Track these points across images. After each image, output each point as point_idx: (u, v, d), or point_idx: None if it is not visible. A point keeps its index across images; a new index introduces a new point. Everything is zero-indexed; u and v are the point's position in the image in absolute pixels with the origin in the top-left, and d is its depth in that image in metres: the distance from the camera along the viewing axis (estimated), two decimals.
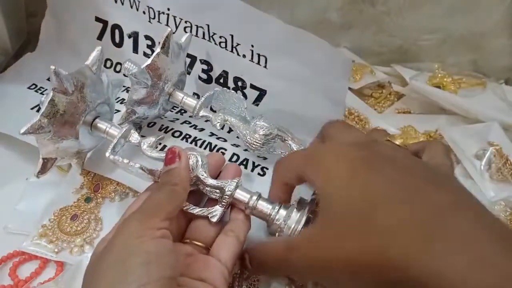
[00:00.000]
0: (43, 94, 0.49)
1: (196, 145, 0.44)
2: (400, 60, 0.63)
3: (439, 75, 0.58)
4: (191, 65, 0.49)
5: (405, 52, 0.63)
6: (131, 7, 0.49)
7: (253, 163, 0.44)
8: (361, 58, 0.63)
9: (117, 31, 0.51)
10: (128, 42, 0.51)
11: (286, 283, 0.37)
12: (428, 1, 0.57)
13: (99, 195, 0.42)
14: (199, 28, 0.46)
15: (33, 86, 0.50)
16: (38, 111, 0.35)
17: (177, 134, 0.45)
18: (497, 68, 0.63)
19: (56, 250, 0.38)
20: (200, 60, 0.49)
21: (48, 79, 0.51)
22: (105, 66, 0.53)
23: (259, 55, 0.45)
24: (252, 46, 0.45)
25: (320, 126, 0.37)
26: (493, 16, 0.58)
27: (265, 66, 0.45)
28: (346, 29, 0.61)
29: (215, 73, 0.49)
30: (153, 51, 0.42)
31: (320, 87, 0.45)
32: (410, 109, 0.58)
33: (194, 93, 0.50)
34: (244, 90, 0.48)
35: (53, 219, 0.40)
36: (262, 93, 0.47)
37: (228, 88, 0.48)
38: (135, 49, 0.51)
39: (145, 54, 0.51)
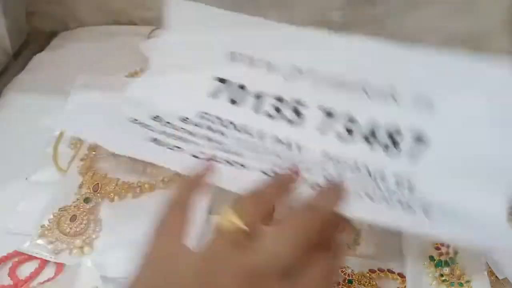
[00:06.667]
0: None
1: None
2: None
3: None
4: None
5: None
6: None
7: None
8: None
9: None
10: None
11: None
12: (428, 1, 0.57)
13: (98, 194, 0.42)
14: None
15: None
16: None
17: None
18: None
19: (55, 251, 0.38)
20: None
21: None
22: None
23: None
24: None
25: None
26: (493, 16, 0.58)
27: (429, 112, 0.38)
28: (346, 29, 0.61)
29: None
30: (279, 110, 0.40)
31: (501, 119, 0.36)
32: None
33: None
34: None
35: (53, 220, 0.40)
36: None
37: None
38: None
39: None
